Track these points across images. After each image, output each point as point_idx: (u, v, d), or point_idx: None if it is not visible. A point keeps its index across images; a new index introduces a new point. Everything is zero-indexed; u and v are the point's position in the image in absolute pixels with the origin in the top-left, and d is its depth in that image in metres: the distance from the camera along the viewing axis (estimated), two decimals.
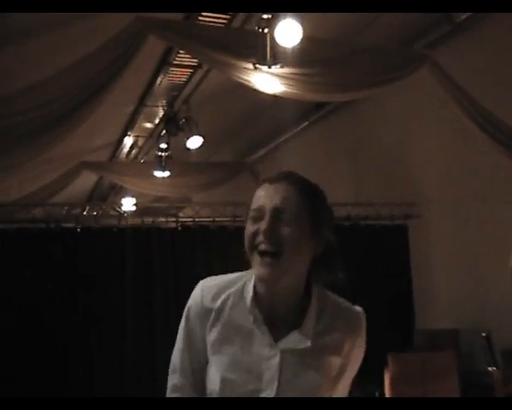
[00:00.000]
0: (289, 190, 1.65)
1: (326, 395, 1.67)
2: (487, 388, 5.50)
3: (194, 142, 7.97)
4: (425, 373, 5.99)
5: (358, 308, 1.82)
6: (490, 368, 5.12)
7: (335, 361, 1.69)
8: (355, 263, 7.80)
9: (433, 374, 5.97)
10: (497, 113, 5.28)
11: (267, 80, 4.72)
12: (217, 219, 7.41)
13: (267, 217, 1.61)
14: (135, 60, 5.14)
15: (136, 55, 4.95)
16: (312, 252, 1.67)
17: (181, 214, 7.99)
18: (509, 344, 5.58)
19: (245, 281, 1.73)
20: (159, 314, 7.07)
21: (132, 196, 9.19)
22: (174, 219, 7.44)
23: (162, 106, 8.24)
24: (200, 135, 7.90)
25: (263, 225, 1.60)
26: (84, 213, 8.38)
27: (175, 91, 7.74)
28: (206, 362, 1.69)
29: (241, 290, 1.72)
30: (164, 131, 8.38)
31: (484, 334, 5.15)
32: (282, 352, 1.63)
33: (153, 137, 9.18)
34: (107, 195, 11.82)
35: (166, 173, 8.39)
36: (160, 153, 8.39)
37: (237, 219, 7.41)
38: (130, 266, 7.07)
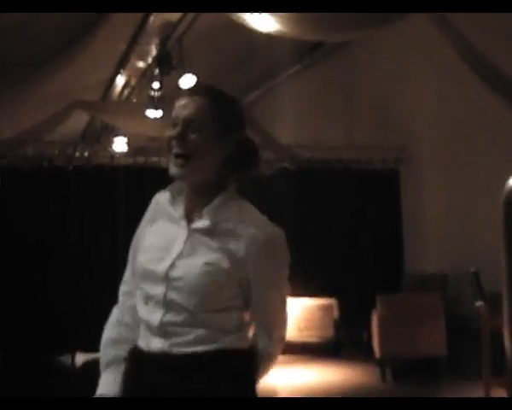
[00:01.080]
0: (201, 102, 1.91)
1: (229, 287, 1.88)
2: (473, 330, 5.60)
3: (188, 81, 7.88)
4: (412, 315, 6.09)
5: (277, 229, 1.94)
6: (477, 303, 5.16)
7: (237, 249, 1.88)
8: (346, 206, 7.86)
9: (420, 315, 6.06)
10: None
11: (261, 18, 4.66)
12: None
13: (179, 125, 1.89)
14: None
15: None
16: (222, 153, 1.93)
17: None
18: (496, 288, 5.65)
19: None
20: None
21: (124, 136, 9.13)
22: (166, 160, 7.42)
23: (155, 44, 8.12)
24: (194, 74, 7.81)
25: (175, 132, 1.88)
26: (77, 153, 8.34)
27: (168, 29, 7.62)
28: None
29: (175, 189, 2.01)
30: (157, 71, 8.27)
31: (472, 269, 5.18)
32: (190, 231, 1.91)
33: (145, 76, 9.07)
34: (99, 135, 11.73)
35: (159, 113, 8.31)
36: (152, 92, 8.30)
37: None
38: (122, 205, 7.08)
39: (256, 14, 4.60)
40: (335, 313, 7.27)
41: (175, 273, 1.87)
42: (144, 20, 7.17)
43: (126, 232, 7.68)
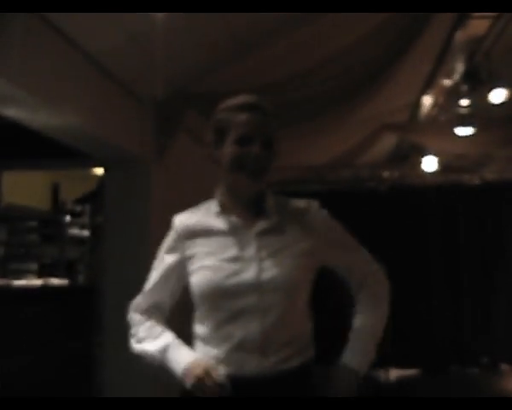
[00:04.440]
0: (268, 121, 1.96)
1: (310, 264, 1.98)
2: None
3: (498, 95, 7.66)
4: None
5: (313, 201, 2.06)
6: None
7: (306, 239, 1.98)
8: None
9: None
10: None
11: None
12: None
13: (258, 144, 1.93)
14: (432, 18, 5.14)
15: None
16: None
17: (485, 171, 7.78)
18: None
19: (206, 205, 2.06)
20: (463, 272, 7.04)
21: (433, 155, 9.16)
22: (478, 177, 7.30)
23: (462, 61, 8.03)
24: (504, 87, 7.55)
25: (254, 150, 1.92)
26: (387, 174, 8.59)
27: (475, 45, 7.50)
28: (185, 281, 2.03)
29: (207, 209, 2.04)
30: (465, 87, 8.16)
31: None
32: (256, 235, 1.94)
33: (453, 94, 8.99)
34: (408, 155, 11.88)
35: (469, 130, 8.20)
36: (461, 110, 8.22)
37: None
38: (433, 225, 7.13)
39: None
40: None
41: (267, 275, 1.87)
42: (450, 38, 7.16)
43: (440, 254, 7.65)
